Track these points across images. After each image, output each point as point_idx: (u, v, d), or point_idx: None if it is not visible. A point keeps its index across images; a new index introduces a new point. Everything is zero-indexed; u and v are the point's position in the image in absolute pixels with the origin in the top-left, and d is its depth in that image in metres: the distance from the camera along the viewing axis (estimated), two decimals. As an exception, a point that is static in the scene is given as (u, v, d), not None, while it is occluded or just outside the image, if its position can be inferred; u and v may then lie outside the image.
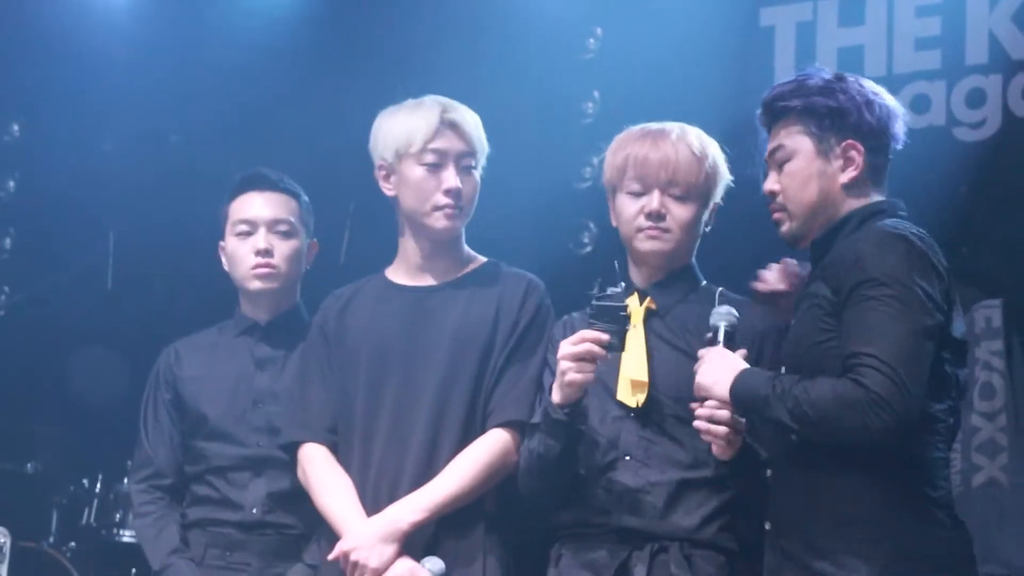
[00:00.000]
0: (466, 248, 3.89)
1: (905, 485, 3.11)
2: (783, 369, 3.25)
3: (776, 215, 3.34)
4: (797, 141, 3.30)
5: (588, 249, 5.98)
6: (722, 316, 3.41)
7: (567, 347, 3.41)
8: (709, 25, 5.63)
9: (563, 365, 3.41)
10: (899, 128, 3.31)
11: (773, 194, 3.34)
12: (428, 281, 3.85)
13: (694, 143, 3.60)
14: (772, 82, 3.46)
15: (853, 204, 3.28)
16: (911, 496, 3.11)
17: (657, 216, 3.56)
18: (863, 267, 3.10)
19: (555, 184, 5.93)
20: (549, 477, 3.53)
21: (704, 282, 3.66)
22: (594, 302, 3.41)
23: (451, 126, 3.78)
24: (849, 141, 3.27)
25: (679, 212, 3.57)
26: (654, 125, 3.65)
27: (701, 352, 3.34)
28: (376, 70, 5.97)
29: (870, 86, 3.32)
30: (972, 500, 5.10)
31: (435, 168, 3.78)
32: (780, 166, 3.32)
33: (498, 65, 5.65)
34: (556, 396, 3.46)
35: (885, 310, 3.05)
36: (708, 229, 3.68)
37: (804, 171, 3.28)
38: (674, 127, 3.62)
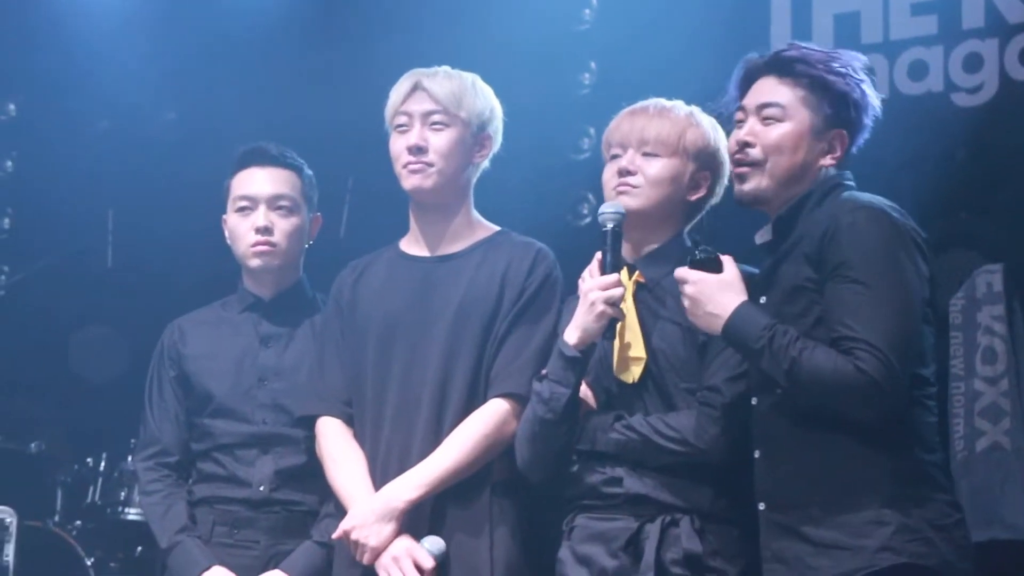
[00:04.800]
0: (476, 217, 3.88)
1: (907, 450, 3.13)
2: None
3: (744, 168, 3.32)
4: (797, 108, 3.30)
5: (586, 220, 5.97)
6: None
7: (602, 283, 3.42)
8: (704, -7, 5.61)
9: (594, 296, 3.43)
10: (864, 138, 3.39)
11: (747, 144, 3.31)
12: (437, 251, 3.84)
13: (670, 104, 3.62)
14: (768, 50, 3.45)
15: (817, 182, 3.30)
16: (913, 461, 3.14)
17: (626, 172, 3.56)
18: (846, 245, 3.12)
19: (552, 156, 5.92)
20: (549, 441, 3.52)
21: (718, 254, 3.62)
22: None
23: (420, 88, 3.79)
24: (841, 131, 3.30)
25: (648, 167, 3.56)
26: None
27: (683, 273, 3.30)
28: (372, 43, 5.95)
29: (874, 91, 3.36)
30: (976, 465, 5.11)
31: (403, 130, 3.79)
32: (764, 120, 3.31)
33: (493, 37, 5.62)
34: (573, 337, 3.46)
35: (873, 293, 3.08)
36: (711, 199, 3.65)
37: (795, 137, 3.29)
38: (659, 100, 3.64)
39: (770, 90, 3.33)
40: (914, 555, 3.07)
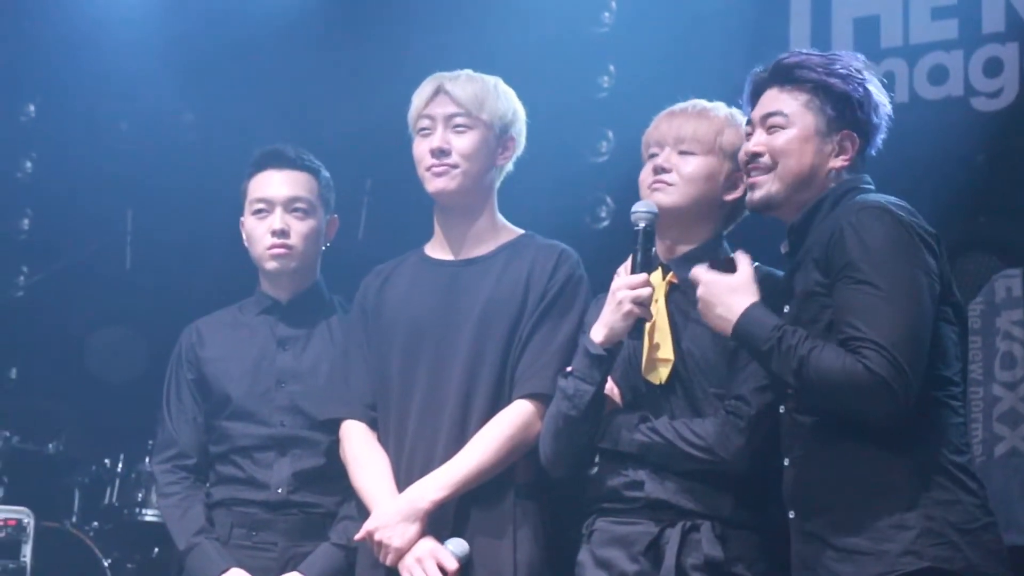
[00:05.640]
0: (500, 220, 3.88)
1: (931, 452, 3.11)
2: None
3: (756, 177, 3.32)
4: (801, 113, 3.30)
5: (605, 223, 5.97)
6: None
7: (630, 282, 3.41)
8: (724, -4, 5.62)
9: (622, 295, 3.41)
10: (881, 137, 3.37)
11: (756, 155, 3.32)
12: (462, 255, 3.84)
13: (710, 105, 3.61)
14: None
15: (831, 187, 3.30)
16: (938, 463, 3.11)
17: (661, 169, 3.56)
18: (850, 246, 3.10)
19: (572, 159, 5.93)
20: (573, 438, 3.51)
21: (731, 255, 3.62)
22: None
23: (442, 92, 3.80)
24: (849, 132, 3.30)
25: (684, 165, 3.55)
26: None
27: (697, 274, 3.31)
28: (391, 46, 5.96)
29: (880, 89, 3.35)
30: (993, 469, 5.10)
31: (427, 133, 3.80)
32: (770, 129, 3.32)
33: (512, 40, 5.63)
34: (599, 335, 3.45)
35: (879, 292, 3.06)
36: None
37: (800, 140, 3.29)
38: (699, 101, 3.63)
39: (772, 100, 3.34)
40: (937, 559, 3.05)
